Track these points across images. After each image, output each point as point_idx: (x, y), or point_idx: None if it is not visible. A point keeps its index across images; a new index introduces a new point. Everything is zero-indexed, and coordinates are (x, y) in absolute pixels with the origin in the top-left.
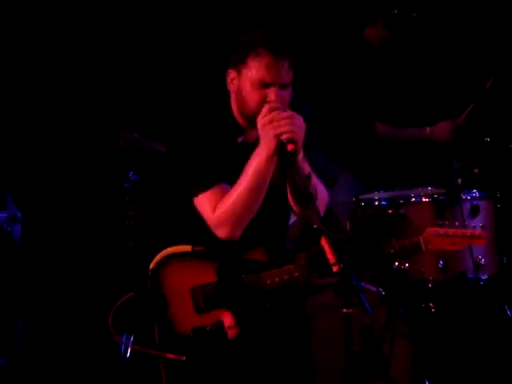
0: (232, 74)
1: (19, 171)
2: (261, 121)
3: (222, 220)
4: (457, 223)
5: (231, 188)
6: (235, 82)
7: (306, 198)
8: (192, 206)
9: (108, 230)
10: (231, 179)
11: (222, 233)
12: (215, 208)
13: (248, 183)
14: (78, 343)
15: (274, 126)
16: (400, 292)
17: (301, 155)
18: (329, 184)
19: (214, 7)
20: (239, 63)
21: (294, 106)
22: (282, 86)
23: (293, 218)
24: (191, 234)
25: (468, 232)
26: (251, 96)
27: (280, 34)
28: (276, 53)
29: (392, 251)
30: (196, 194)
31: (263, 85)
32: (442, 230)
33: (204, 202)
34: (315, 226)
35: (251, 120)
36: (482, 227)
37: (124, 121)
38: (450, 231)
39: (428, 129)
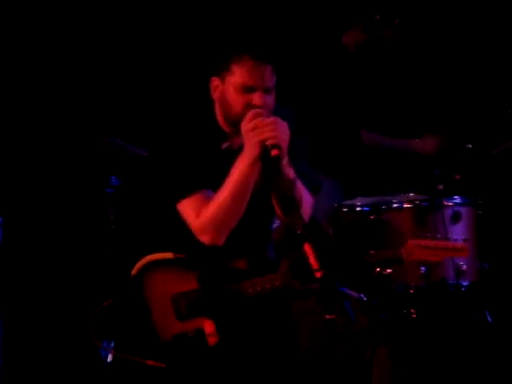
0: (215, 81)
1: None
2: (245, 127)
3: (205, 226)
4: (439, 235)
5: (215, 194)
6: (219, 89)
7: (291, 203)
8: (174, 212)
9: (89, 235)
10: (215, 185)
11: (205, 238)
12: (199, 214)
13: (232, 188)
14: (59, 349)
15: (257, 132)
16: (382, 298)
17: (285, 160)
18: (314, 190)
19: (196, 14)
20: (222, 70)
21: (276, 112)
22: (266, 91)
23: (276, 223)
24: (172, 240)
25: (450, 245)
26: (235, 101)
27: (262, 39)
28: (258, 57)
29: (373, 261)
30: (179, 200)
31: (247, 89)
32: (423, 242)
33: (187, 208)
34: (298, 232)
35: (236, 126)
36: (465, 240)
37: (106, 126)
38: (432, 243)
39: (415, 142)
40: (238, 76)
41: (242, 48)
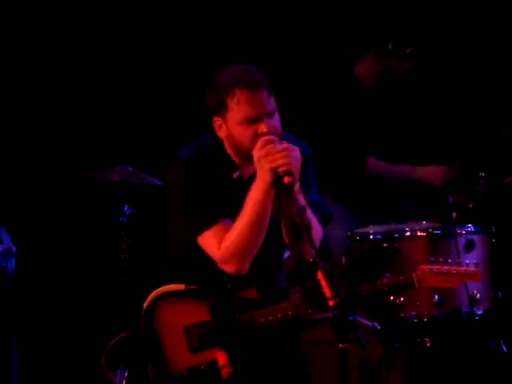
0: (218, 121)
1: (13, 204)
2: (256, 154)
3: (228, 255)
4: (450, 260)
5: (233, 223)
6: (223, 127)
7: (302, 230)
8: (186, 243)
9: (102, 264)
10: (229, 215)
11: (229, 268)
12: (220, 244)
13: (250, 216)
14: (72, 380)
15: (269, 160)
16: (395, 327)
17: (297, 186)
18: (324, 221)
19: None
20: (221, 108)
21: (296, 145)
22: (269, 115)
23: (287, 253)
24: (185, 271)
25: (462, 269)
26: (243, 135)
27: (249, 66)
28: (251, 86)
29: (386, 288)
30: (200, 232)
31: (250, 121)
32: (435, 268)
33: (209, 239)
34: (311, 260)
35: (247, 156)
36: (476, 264)
37: (119, 154)
38: (444, 268)
39: (420, 169)
40: (237, 111)
41: (232, 82)
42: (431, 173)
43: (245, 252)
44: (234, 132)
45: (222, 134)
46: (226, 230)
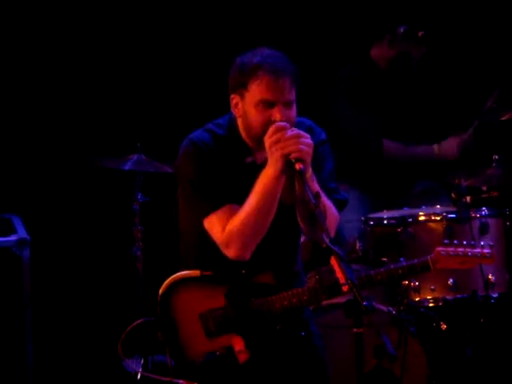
0: (235, 98)
1: (27, 194)
2: (267, 141)
3: (230, 239)
4: (465, 242)
5: (240, 208)
6: (239, 106)
7: (315, 216)
8: (199, 228)
9: (117, 252)
10: (240, 199)
11: (231, 252)
12: (225, 228)
13: (256, 203)
14: (88, 368)
15: (280, 146)
16: (410, 311)
17: (309, 173)
18: (339, 205)
19: (215, 26)
20: (241, 88)
21: (309, 130)
22: (286, 104)
23: (303, 238)
24: (197, 257)
25: (477, 251)
26: (256, 118)
27: (278, 52)
28: (275, 71)
29: (400, 272)
30: (206, 215)
31: (266, 105)
32: (450, 250)
33: (214, 223)
34: (324, 246)
35: (259, 141)
36: (491, 246)
37: (132, 142)
38: (459, 251)
39: (436, 146)
40: (256, 93)
41: (258, 64)
42: (446, 145)
43: (248, 238)
44: (248, 113)
45: (237, 112)
46: (233, 214)
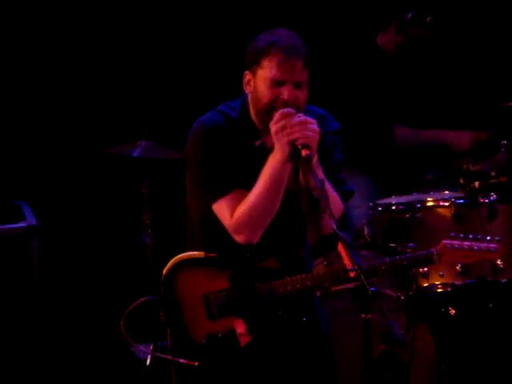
0: (248, 75)
1: (36, 181)
2: (274, 127)
3: (239, 225)
4: (471, 236)
5: (248, 193)
6: (251, 83)
7: (320, 202)
8: (206, 211)
9: (126, 238)
10: (248, 183)
11: (240, 237)
12: (233, 213)
13: (264, 188)
14: (97, 354)
15: (287, 133)
16: (419, 297)
17: (315, 159)
18: (345, 196)
19: (234, 9)
20: (254, 64)
21: (321, 119)
22: (296, 85)
23: None
24: (204, 240)
25: (483, 246)
26: (264, 94)
27: (293, 33)
28: (288, 51)
29: (405, 263)
30: (215, 200)
31: (276, 83)
32: (456, 243)
33: (223, 208)
34: (332, 231)
35: (265, 121)
36: (498, 240)
37: (140, 129)
38: (465, 244)
39: (447, 132)
40: (267, 70)
41: (273, 42)
42: (459, 136)
43: (256, 223)
44: (258, 89)
45: (248, 89)
46: (241, 199)
